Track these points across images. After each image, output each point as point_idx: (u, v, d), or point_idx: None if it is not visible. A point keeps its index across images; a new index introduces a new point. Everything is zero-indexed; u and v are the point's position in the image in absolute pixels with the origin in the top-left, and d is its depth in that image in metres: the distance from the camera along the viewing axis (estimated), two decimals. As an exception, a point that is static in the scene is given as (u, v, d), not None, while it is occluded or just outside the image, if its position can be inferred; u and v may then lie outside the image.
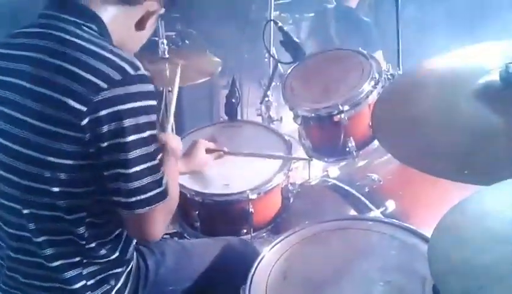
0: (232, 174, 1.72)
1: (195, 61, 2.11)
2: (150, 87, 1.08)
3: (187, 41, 3.57)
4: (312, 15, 3.76)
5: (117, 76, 1.03)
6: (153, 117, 1.09)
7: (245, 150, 1.78)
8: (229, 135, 1.92)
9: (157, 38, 2.05)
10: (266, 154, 1.73)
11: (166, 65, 2.08)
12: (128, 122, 1.03)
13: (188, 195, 1.63)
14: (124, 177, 1.06)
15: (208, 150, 1.69)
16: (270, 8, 2.19)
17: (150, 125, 1.07)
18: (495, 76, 1.27)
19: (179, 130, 3.22)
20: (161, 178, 1.12)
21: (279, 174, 1.71)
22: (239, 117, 2.18)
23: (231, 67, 3.68)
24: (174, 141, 1.36)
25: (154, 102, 1.09)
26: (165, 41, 2.07)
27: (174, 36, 3.64)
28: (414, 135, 1.30)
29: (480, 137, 1.18)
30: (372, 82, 1.76)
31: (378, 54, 3.24)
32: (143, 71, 1.07)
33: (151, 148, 1.08)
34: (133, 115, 1.03)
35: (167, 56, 2.11)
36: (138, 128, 1.05)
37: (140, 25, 1.19)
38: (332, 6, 3.38)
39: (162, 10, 1.23)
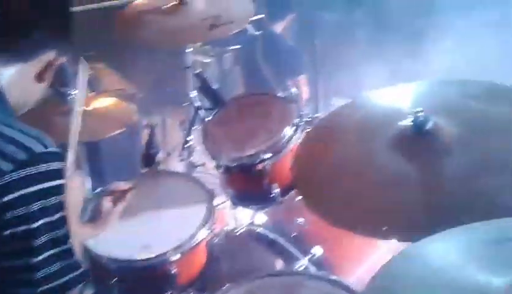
0: (151, 232, 1.61)
1: (110, 110, 2.00)
2: (60, 165, 0.99)
3: (103, 81, 3.43)
4: (234, 47, 3.77)
5: (21, 155, 0.94)
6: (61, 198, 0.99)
7: (164, 204, 1.69)
8: (148, 187, 1.81)
9: (66, 88, 1.91)
10: None
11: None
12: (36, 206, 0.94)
13: (102, 261, 1.50)
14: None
15: (119, 207, 1.56)
16: (187, 56, 2.13)
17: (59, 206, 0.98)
18: (409, 122, 1.29)
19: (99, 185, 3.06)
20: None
21: (203, 229, 1.63)
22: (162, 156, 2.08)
23: (152, 102, 3.61)
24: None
25: (63, 181, 0.99)
26: (76, 91, 1.93)
27: (88, 76, 3.48)
28: (333, 186, 1.28)
29: (396, 188, 1.17)
30: (293, 128, 1.75)
31: (302, 79, 3.31)
32: (52, 148, 0.98)
33: (61, 232, 0.99)
34: (41, 197, 0.95)
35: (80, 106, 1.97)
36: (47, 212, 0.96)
37: (40, 77, 1.10)
38: (259, 33, 3.39)
39: (62, 59, 1.14)
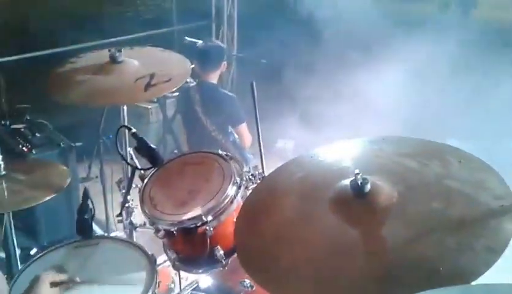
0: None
1: (40, 175, 1.88)
2: None
3: (37, 134, 3.28)
4: (175, 94, 3.75)
5: None
6: None
7: (103, 274, 1.59)
8: (84, 256, 1.70)
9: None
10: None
11: (3, 183, 1.81)
12: None
13: None
14: None
15: (54, 284, 1.46)
16: (122, 113, 2.07)
17: None
18: (348, 183, 1.28)
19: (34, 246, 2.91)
20: None
21: (143, 299, 1.53)
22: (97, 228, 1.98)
23: (89, 153, 3.48)
24: None
25: None
26: (0, 156, 1.81)
27: (23, 129, 3.34)
28: (275, 254, 1.24)
29: (340, 256, 1.16)
30: (235, 187, 1.71)
31: (243, 127, 3.36)
32: None
33: None
34: None
35: (3, 172, 1.84)
36: None
37: None
38: (194, 84, 3.40)
39: None
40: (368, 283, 1.08)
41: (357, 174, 1.23)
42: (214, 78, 3.38)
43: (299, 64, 4.09)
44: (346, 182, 1.28)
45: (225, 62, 3.43)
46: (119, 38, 4.05)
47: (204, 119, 3.35)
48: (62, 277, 1.51)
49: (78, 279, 1.53)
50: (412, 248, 1.09)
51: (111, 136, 3.28)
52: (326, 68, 3.83)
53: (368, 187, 1.22)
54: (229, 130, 3.39)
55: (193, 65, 2.31)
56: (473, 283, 0.96)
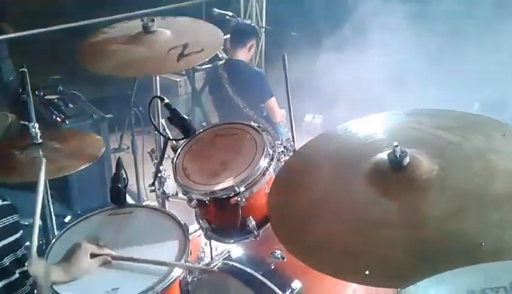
0: (120, 275, 1.53)
1: (74, 144, 1.91)
2: (11, 219, 0.91)
3: (70, 105, 3.34)
4: (204, 66, 3.76)
5: None
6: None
7: (136, 243, 1.62)
8: (117, 224, 1.73)
9: (26, 123, 1.82)
10: (156, 261, 1.57)
11: (40, 151, 1.85)
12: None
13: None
14: None
15: (93, 255, 1.50)
16: (155, 84, 2.07)
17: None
18: (385, 156, 1.26)
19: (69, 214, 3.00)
20: None
21: (176, 268, 1.55)
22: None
23: (121, 124, 3.53)
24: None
25: (18, 234, 0.92)
26: (37, 125, 1.84)
27: (56, 100, 3.39)
28: (310, 226, 1.24)
29: (376, 229, 1.14)
30: (267, 159, 1.70)
31: (272, 101, 3.36)
32: (1, 201, 0.91)
33: None
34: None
35: (40, 140, 1.88)
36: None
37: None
38: (223, 61, 3.41)
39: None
40: (405, 257, 1.06)
41: (396, 146, 1.21)
42: (242, 56, 3.39)
43: (330, 38, 4.00)
44: (383, 155, 1.26)
45: (254, 43, 3.43)
46: (146, 11, 4.02)
47: (235, 97, 3.38)
48: (99, 249, 1.54)
49: (113, 253, 1.56)
50: (452, 222, 1.07)
51: (141, 109, 3.31)
52: (356, 43, 3.74)
53: (407, 159, 1.20)
54: (262, 105, 3.39)
55: (226, 36, 2.29)
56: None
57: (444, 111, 1.40)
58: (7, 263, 0.90)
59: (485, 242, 0.98)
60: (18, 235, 0.93)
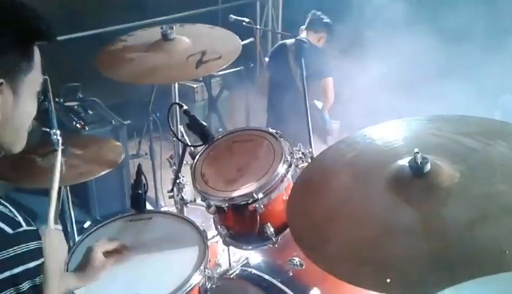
0: (139, 280, 1.54)
1: (94, 150, 1.93)
2: (33, 244, 0.92)
3: (90, 112, 3.38)
4: (221, 73, 3.79)
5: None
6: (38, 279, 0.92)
7: (156, 247, 1.63)
8: (137, 230, 1.74)
9: (48, 129, 1.85)
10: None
11: (61, 158, 1.88)
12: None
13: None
14: None
15: (107, 253, 1.52)
16: (174, 90, 2.09)
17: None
18: (405, 162, 1.25)
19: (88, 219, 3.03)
20: None
21: (196, 274, 1.56)
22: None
23: (139, 130, 3.57)
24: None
25: (39, 261, 0.93)
26: (58, 132, 1.87)
27: (75, 106, 3.45)
28: (330, 232, 1.23)
29: (397, 236, 1.13)
30: (285, 165, 1.70)
31: (329, 81, 3.39)
32: (25, 226, 0.91)
33: None
34: (13, 283, 0.89)
35: (61, 147, 1.91)
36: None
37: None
38: (292, 41, 3.45)
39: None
40: (426, 265, 1.05)
41: (417, 153, 1.19)
42: (311, 39, 3.42)
43: (346, 44, 4.00)
44: (404, 161, 1.25)
45: (324, 36, 3.50)
46: (162, 18, 4.07)
47: (293, 67, 3.40)
48: (113, 245, 1.55)
49: (131, 249, 1.57)
50: (475, 230, 1.05)
51: (158, 115, 3.34)
52: (372, 50, 3.73)
53: (428, 166, 1.18)
54: (316, 85, 3.36)
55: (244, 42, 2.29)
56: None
57: (464, 117, 1.39)
58: (25, 289, 0.91)
59: (509, 250, 0.96)
60: (39, 262, 0.94)
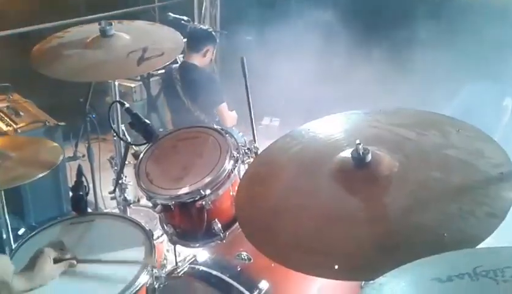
0: (86, 284, 1.49)
1: (29, 152, 1.84)
2: None
3: (21, 113, 3.21)
4: (160, 71, 3.72)
5: None
6: None
7: (101, 250, 1.58)
8: (80, 233, 1.69)
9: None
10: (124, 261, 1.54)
11: (-6, 160, 1.78)
12: None
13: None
14: None
15: (56, 260, 1.46)
16: (114, 89, 2.03)
17: None
18: (348, 154, 1.29)
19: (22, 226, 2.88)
20: None
21: (143, 274, 1.53)
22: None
23: (75, 132, 3.43)
24: None
25: None
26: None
27: (5, 108, 3.26)
28: (277, 225, 1.26)
29: (342, 224, 1.18)
30: (232, 161, 1.71)
31: (222, 107, 3.33)
32: None
33: None
34: None
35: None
36: None
37: None
38: (177, 65, 3.36)
39: None
40: (371, 250, 1.10)
41: (359, 144, 1.25)
42: (196, 61, 3.32)
43: (285, 41, 4.06)
44: (347, 153, 1.30)
45: (210, 49, 3.35)
46: (96, 16, 3.94)
47: (186, 100, 3.33)
48: (64, 254, 1.50)
49: (75, 253, 1.52)
50: (415, 215, 1.11)
51: (94, 116, 3.22)
52: (312, 47, 3.81)
53: (369, 156, 1.24)
54: (214, 111, 3.37)
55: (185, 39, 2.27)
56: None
57: (400, 109, 1.46)
58: None
59: (448, 233, 1.03)
60: None
